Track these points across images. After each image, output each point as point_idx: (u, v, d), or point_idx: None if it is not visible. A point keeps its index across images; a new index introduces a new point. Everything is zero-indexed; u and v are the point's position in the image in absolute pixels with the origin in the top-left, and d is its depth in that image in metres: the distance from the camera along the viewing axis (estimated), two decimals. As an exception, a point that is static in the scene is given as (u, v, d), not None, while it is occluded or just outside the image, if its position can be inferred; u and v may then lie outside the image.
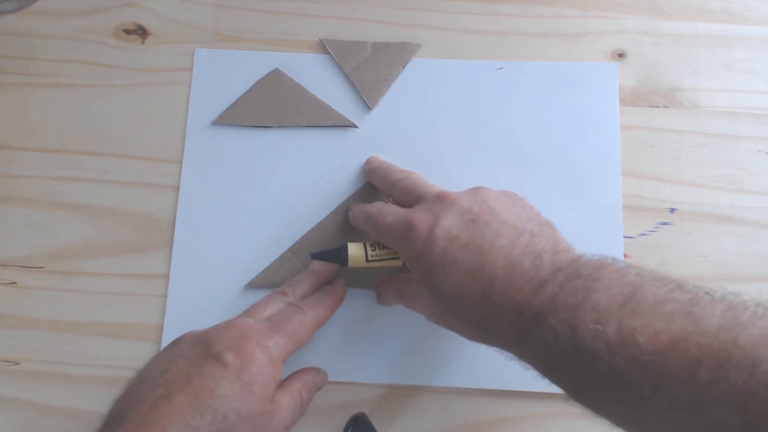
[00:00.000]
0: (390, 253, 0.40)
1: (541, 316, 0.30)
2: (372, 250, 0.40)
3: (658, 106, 0.47)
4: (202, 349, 0.34)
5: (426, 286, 0.35)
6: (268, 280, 0.44)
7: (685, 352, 0.26)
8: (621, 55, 0.48)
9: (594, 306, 0.29)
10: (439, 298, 0.35)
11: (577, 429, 0.42)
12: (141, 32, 0.49)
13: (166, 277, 0.45)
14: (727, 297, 0.28)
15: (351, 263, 0.40)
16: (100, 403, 0.43)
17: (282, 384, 0.36)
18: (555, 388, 0.42)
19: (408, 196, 0.40)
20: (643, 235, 0.45)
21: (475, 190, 0.37)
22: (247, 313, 0.38)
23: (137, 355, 0.44)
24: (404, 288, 0.40)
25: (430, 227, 0.35)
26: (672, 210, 0.46)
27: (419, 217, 0.36)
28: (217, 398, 0.32)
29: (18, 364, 0.44)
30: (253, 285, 0.45)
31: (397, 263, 0.40)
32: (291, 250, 0.45)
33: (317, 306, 0.39)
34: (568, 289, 0.30)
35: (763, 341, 0.25)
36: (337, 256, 0.40)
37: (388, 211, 0.38)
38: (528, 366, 0.33)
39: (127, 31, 0.49)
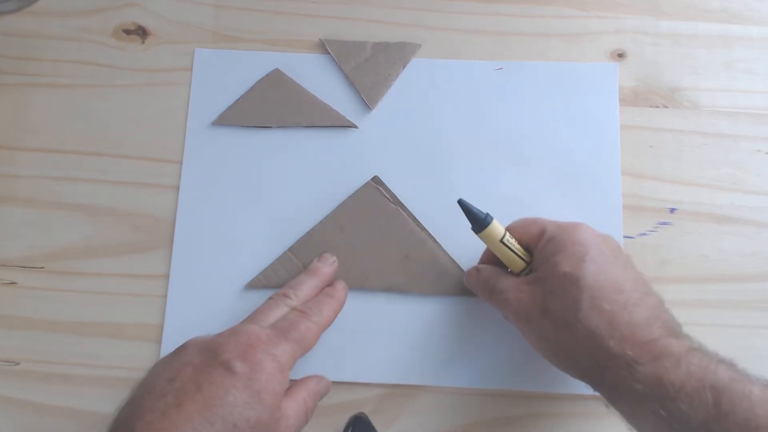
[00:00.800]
0: (521, 250, 0.39)
1: (679, 354, 0.32)
2: (509, 237, 0.39)
3: (657, 106, 0.47)
4: (209, 357, 0.34)
5: (564, 272, 0.35)
6: (268, 280, 0.44)
7: None
8: (621, 55, 0.48)
9: (735, 371, 0.31)
10: (568, 288, 0.35)
11: (577, 429, 0.42)
12: (141, 32, 0.49)
13: (166, 277, 0.45)
14: None
15: (488, 232, 0.38)
16: (99, 403, 0.43)
17: (287, 392, 0.36)
18: (555, 388, 0.42)
19: (534, 229, 0.40)
20: (643, 235, 0.45)
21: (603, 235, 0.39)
22: (252, 319, 0.38)
23: (137, 355, 0.44)
24: (496, 282, 0.39)
25: (597, 233, 0.38)
26: (672, 210, 0.46)
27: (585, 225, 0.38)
28: (226, 407, 0.32)
29: (18, 364, 0.44)
30: (253, 285, 0.45)
31: (517, 264, 0.39)
32: (291, 250, 0.45)
33: (321, 310, 0.39)
34: (702, 350, 0.33)
35: None
36: (480, 220, 0.38)
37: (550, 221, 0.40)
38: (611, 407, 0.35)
39: (127, 31, 0.49)
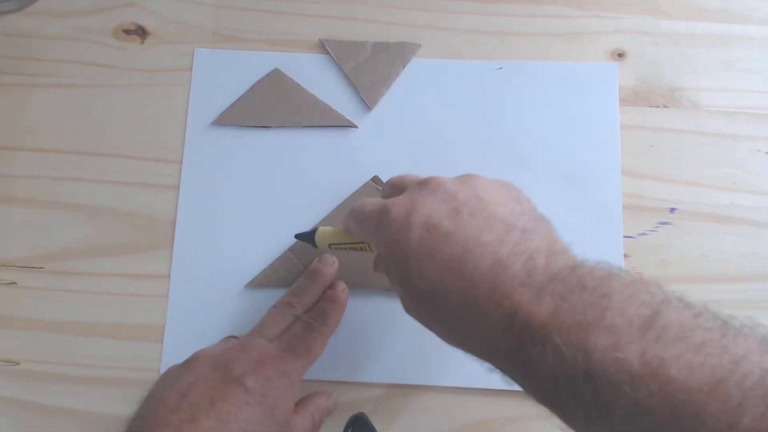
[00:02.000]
0: (356, 242, 0.37)
1: (543, 332, 0.26)
2: (338, 239, 0.38)
3: (657, 106, 0.47)
4: (221, 373, 0.34)
5: (399, 280, 0.31)
6: (268, 280, 0.44)
7: (728, 394, 0.23)
8: (621, 55, 0.48)
9: (610, 327, 0.25)
10: (412, 295, 0.31)
11: (577, 429, 0.42)
12: (141, 32, 0.49)
13: (166, 277, 0.45)
14: (753, 328, 0.25)
15: (317, 242, 0.40)
16: (99, 403, 0.43)
17: (296, 407, 0.36)
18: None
19: (395, 188, 0.36)
20: (643, 234, 0.45)
21: (465, 178, 0.33)
22: (259, 332, 0.39)
23: (137, 355, 0.44)
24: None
25: (407, 213, 0.31)
26: (672, 210, 0.46)
27: (396, 202, 0.32)
28: (240, 423, 0.32)
29: (18, 364, 0.44)
30: (253, 285, 0.45)
31: (366, 250, 0.38)
32: (291, 250, 0.45)
33: (326, 319, 0.40)
34: (571, 302, 0.26)
35: None
36: (309, 236, 0.40)
37: (368, 201, 0.34)
38: (511, 381, 0.29)
39: (127, 31, 0.49)
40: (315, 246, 0.40)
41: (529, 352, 0.27)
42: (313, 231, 0.40)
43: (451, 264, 0.29)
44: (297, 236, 0.42)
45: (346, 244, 0.38)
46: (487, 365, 0.30)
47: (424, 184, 0.32)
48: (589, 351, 0.25)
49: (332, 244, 0.39)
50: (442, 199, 0.31)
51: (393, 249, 0.31)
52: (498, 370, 0.30)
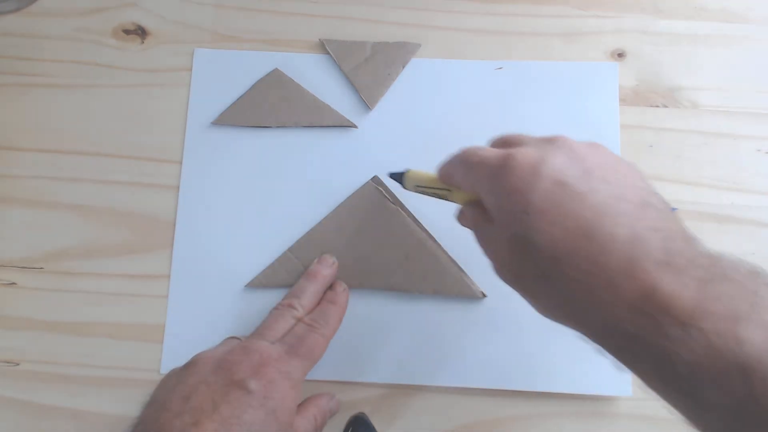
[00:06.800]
0: (442, 185, 0.36)
1: (687, 316, 0.24)
2: (428, 182, 0.38)
3: (657, 106, 0.47)
4: (223, 376, 0.34)
5: (511, 234, 0.28)
6: (268, 280, 0.44)
7: None
8: (621, 55, 0.48)
9: (766, 323, 0.24)
10: (523, 252, 0.28)
11: (576, 429, 0.42)
12: (140, 32, 0.49)
13: (166, 277, 0.45)
14: None
15: (405, 183, 0.40)
16: (99, 403, 0.43)
17: (298, 408, 0.36)
18: (555, 388, 0.42)
19: (509, 143, 0.32)
20: (643, 234, 0.45)
21: (593, 144, 0.30)
22: (260, 334, 0.38)
23: (137, 355, 0.44)
24: (481, 223, 0.32)
25: (535, 163, 0.28)
26: (672, 210, 0.46)
27: (522, 150, 0.29)
28: (244, 426, 0.32)
29: (18, 364, 0.44)
30: (253, 285, 0.45)
31: (455, 198, 0.35)
32: (291, 250, 0.45)
33: (328, 321, 0.40)
34: (718, 291, 0.25)
35: None
36: (400, 176, 0.41)
37: (483, 148, 0.31)
38: (621, 366, 0.27)
39: (127, 32, 0.49)
40: (404, 186, 0.40)
41: (665, 336, 0.24)
42: (405, 171, 0.40)
43: (581, 226, 0.26)
44: (391, 175, 0.41)
45: (432, 188, 0.37)
46: (596, 346, 0.28)
47: (550, 140, 0.30)
48: (741, 342, 0.23)
49: (419, 186, 0.39)
50: (573, 157, 0.28)
51: (511, 198, 0.28)
52: (611, 354, 0.27)
